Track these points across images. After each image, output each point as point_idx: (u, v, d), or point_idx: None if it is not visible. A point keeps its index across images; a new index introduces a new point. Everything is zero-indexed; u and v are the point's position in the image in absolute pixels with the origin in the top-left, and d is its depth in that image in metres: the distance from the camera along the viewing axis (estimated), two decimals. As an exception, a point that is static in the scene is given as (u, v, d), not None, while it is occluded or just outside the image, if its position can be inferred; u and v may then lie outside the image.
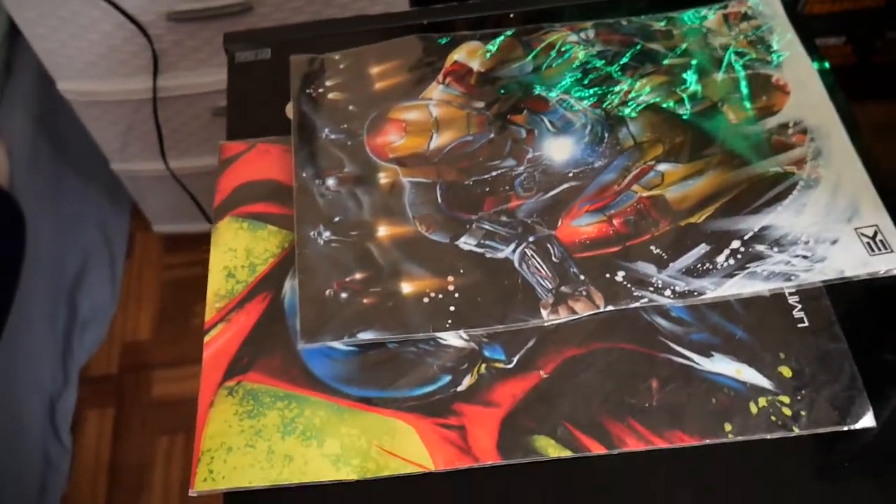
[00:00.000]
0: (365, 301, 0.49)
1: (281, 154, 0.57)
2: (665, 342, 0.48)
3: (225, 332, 0.49)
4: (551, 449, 0.44)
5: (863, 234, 0.51)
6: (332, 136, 0.57)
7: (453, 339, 0.48)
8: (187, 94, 1.06)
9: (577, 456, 0.44)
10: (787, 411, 0.45)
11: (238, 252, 0.52)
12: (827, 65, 0.60)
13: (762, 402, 0.46)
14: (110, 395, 1.22)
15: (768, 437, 0.44)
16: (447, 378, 0.47)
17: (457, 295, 0.49)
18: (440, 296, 0.49)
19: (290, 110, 0.58)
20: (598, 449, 0.44)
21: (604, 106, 0.58)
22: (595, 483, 0.44)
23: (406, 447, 0.44)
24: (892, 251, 0.50)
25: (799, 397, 0.46)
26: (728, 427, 0.45)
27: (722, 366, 0.47)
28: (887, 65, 1.37)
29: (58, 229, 1.20)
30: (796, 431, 0.45)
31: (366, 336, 0.48)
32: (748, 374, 0.46)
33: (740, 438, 0.44)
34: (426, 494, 0.44)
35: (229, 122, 0.58)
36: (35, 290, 1.12)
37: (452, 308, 0.49)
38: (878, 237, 0.51)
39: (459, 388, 0.46)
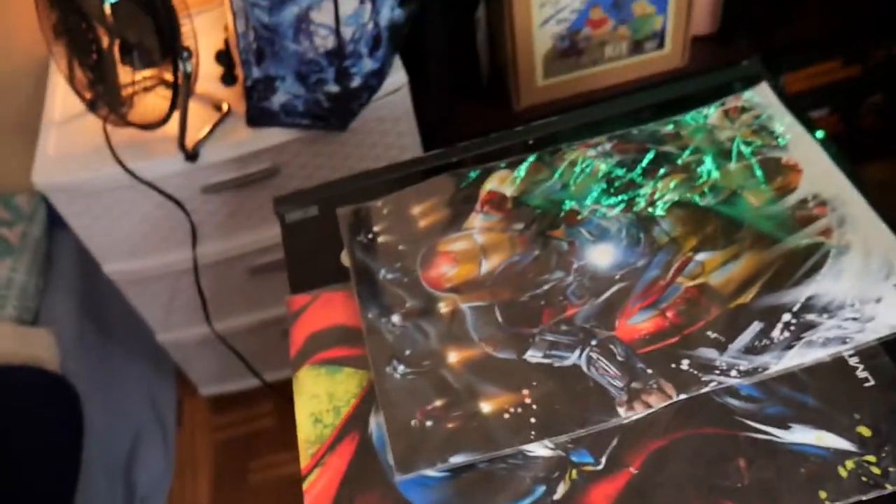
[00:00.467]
0: (450, 426, 0.51)
1: (344, 300, 0.60)
2: (742, 421, 0.50)
3: (321, 476, 0.51)
4: (657, 543, 0.45)
5: None
6: (389, 276, 0.61)
7: (540, 449, 0.50)
8: (225, 258, 1.12)
9: (684, 546, 0.45)
10: (876, 470, 0.46)
11: (321, 397, 0.55)
12: (822, 133, 0.65)
13: (849, 464, 0.47)
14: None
15: (864, 498, 0.46)
16: (542, 489, 0.48)
17: (534, 407, 0.52)
18: (519, 409, 0.52)
19: (345, 258, 0.63)
20: (702, 536, 0.45)
21: (634, 210, 0.62)
22: (706, 570, 0.45)
23: (516, 563, 0.46)
24: None
25: (884, 454, 0.47)
26: (823, 495, 0.46)
27: (802, 435, 0.48)
28: (873, 127, 1.44)
29: (108, 407, 1.23)
30: (889, 489, 0.46)
31: (457, 459, 0.50)
32: (829, 440, 0.48)
33: (837, 504, 0.46)
34: None
35: (291, 278, 0.63)
36: (91, 471, 1.13)
37: (533, 420, 0.51)
38: None
39: (556, 497, 0.48)
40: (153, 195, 0.99)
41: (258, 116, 0.99)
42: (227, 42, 1.05)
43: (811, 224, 0.59)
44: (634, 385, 0.52)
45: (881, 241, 0.57)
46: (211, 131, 1.00)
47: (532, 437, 0.50)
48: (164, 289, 1.15)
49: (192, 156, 0.97)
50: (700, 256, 0.58)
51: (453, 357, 0.55)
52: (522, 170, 0.67)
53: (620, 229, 0.61)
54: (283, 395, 1.23)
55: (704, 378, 0.51)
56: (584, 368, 0.53)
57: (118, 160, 0.96)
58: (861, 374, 0.51)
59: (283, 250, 0.66)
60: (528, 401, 0.52)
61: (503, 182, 0.66)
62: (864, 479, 0.46)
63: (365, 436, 0.52)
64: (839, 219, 0.59)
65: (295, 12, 0.88)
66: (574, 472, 0.49)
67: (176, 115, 0.95)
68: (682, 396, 0.51)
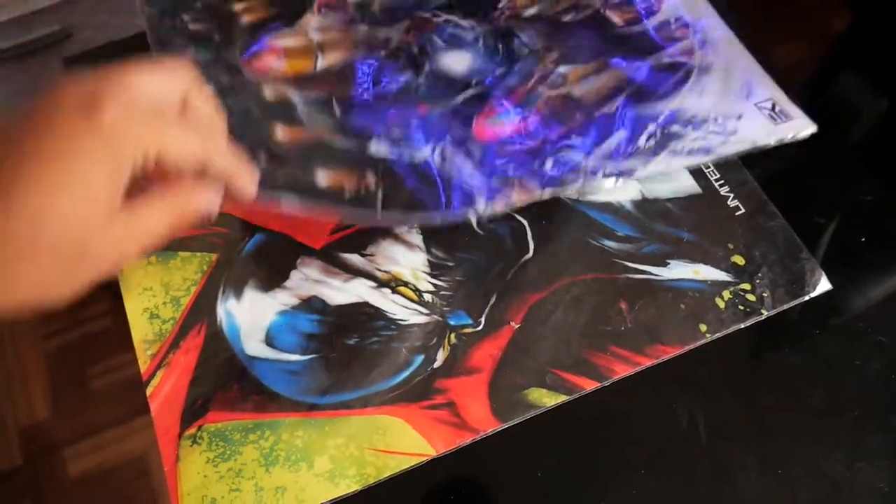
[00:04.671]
0: (279, 179, 0.44)
1: (167, 174, 0.51)
2: (620, 262, 0.47)
3: (167, 377, 0.44)
4: (546, 398, 0.43)
5: (763, 108, 0.52)
6: (200, 57, 0.51)
7: (414, 316, 0.45)
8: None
9: (573, 398, 0.43)
10: (752, 297, 0.46)
11: (154, 289, 0.47)
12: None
13: (726, 294, 0.46)
14: (25, 489, 1.10)
15: (742, 326, 0.45)
16: (420, 358, 0.44)
17: (381, 188, 0.45)
18: (362, 191, 0.45)
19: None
20: (590, 385, 0.43)
21: (491, 21, 0.56)
22: (598, 418, 0.43)
23: (401, 440, 0.42)
24: (793, 118, 0.51)
25: (757, 281, 0.46)
26: (703, 328, 0.45)
27: (679, 271, 0.47)
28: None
29: None
30: (765, 314, 0.45)
31: (290, 200, 0.43)
32: (706, 272, 0.47)
33: (718, 335, 0.45)
34: (438, 481, 0.42)
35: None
36: None
37: (381, 195, 0.45)
38: (777, 108, 0.52)
39: (436, 365, 0.44)
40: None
41: (34, -32, 0.82)
42: None
43: (674, 45, 0.55)
44: (494, 182, 0.46)
45: (741, 63, 0.54)
46: (-24, -11, 0.82)
47: (380, 208, 0.44)
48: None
49: (-45, 20, 0.80)
50: (562, 69, 0.53)
51: (282, 134, 0.47)
52: (367, -24, 0.58)
53: (477, 38, 0.55)
54: (116, 291, 1.11)
55: (570, 177, 0.47)
56: (437, 164, 0.47)
57: None
58: (732, 203, 0.49)
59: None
60: (371, 182, 0.45)
61: None
62: (740, 307, 0.46)
63: (214, 325, 0.46)
64: (701, 40, 0.56)
65: None
66: (452, 336, 0.45)
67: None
68: (547, 191, 0.46)
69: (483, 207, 0.45)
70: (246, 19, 0.54)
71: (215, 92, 0.44)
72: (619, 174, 0.47)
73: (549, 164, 0.47)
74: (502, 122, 0.50)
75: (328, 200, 0.44)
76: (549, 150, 0.48)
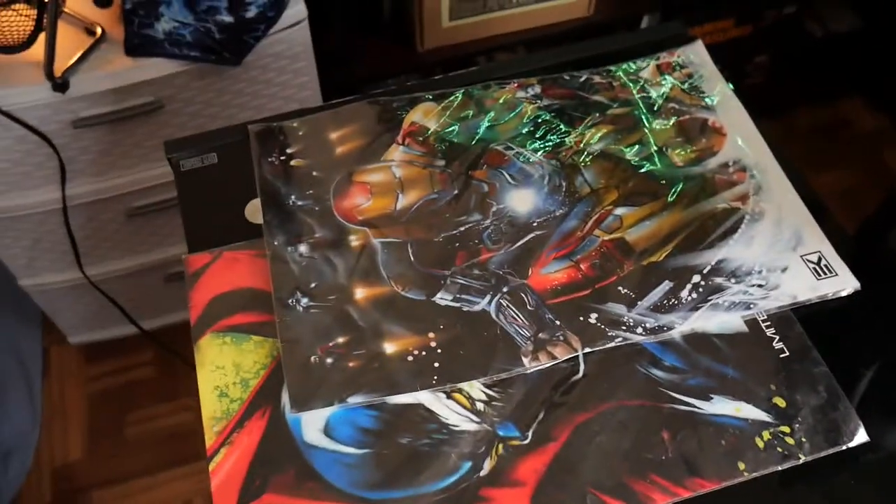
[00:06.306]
0: (350, 365, 0.49)
1: (250, 260, 0.55)
2: (666, 392, 0.49)
3: (229, 456, 0.47)
4: (585, 518, 0.45)
5: (809, 261, 0.55)
6: (300, 203, 0.57)
7: (465, 423, 0.48)
8: (98, 199, 1.02)
9: (611, 521, 0.45)
10: (790, 441, 0.48)
11: (226, 369, 0.50)
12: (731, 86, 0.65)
13: (766, 435, 0.48)
14: (51, 529, 1.12)
15: (779, 468, 0.47)
16: (468, 464, 0.46)
17: (439, 351, 0.50)
18: (423, 353, 0.50)
19: (250, 213, 0.57)
20: (628, 510, 0.45)
21: (558, 157, 0.60)
22: (632, 544, 0.45)
23: (443, 544, 0.44)
24: (836, 275, 0.54)
25: (797, 425, 0.48)
26: (742, 466, 0.47)
27: (722, 406, 0.49)
28: (759, 87, 1.49)
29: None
30: (802, 459, 0.47)
31: (355, 400, 0.48)
32: (747, 411, 0.49)
33: (755, 474, 0.46)
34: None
35: (188, 234, 0.56)
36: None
37: (437, 364, 0.49)
38: (823, 262, 0.55)
39: (482, 473, 0.46)
40: (15, 127, 0.88)
41: (139, 45, 0.89)
42: (101, -45, 0.93)
43: (729, 189, 0.59)
44: (541, 336, 0.51)
45: (794, 212, 0.57)
46: (82, 58, 0.89)
47: (434, 381, 0.49)
48: (27, 231, 1.04)
49: (60, 85, 0.87)
50: (619, 211, 0.57)
51: (360, 293, 0.52)
52: (449, 104, 0.63)
53: (543, 176, 0.59)
54: (162, 343, 1.15)
55: (611, 333, 0.51)
56: (493, 315, 0.52)
57: (-28, 86, 0.84)
58: (777, 345, 0.52)
59: (179, 202, 0.59)
60: (433, 344, 0.50)
61: (428, 115, 0.63)
62: (779, 449, 0.47)
63: (277, 411, 0.49)
64: (756, 186, 0.59)
65: (184, -72, 0.79)
66: (500, 446, 0.47)
67: (42, 38, 0.83)
68: (587, 350, 0.50)
69: (528, 363, 0.49)
70: (339, 150, 0.59)
71: (310, 248, 0.52)
72: (658, 330, 0.50)
73: (593, 318, 0.51)
74: (556, 271, 0.53)
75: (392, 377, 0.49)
76: (595, 301, 0.52)
